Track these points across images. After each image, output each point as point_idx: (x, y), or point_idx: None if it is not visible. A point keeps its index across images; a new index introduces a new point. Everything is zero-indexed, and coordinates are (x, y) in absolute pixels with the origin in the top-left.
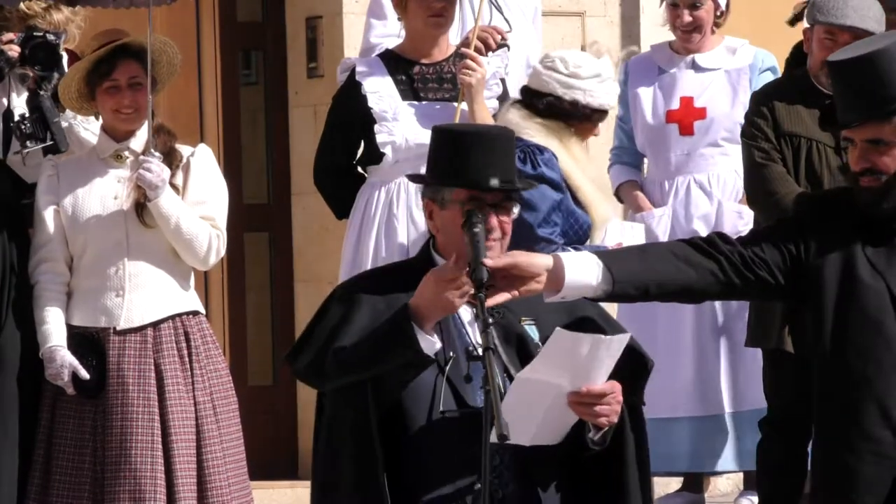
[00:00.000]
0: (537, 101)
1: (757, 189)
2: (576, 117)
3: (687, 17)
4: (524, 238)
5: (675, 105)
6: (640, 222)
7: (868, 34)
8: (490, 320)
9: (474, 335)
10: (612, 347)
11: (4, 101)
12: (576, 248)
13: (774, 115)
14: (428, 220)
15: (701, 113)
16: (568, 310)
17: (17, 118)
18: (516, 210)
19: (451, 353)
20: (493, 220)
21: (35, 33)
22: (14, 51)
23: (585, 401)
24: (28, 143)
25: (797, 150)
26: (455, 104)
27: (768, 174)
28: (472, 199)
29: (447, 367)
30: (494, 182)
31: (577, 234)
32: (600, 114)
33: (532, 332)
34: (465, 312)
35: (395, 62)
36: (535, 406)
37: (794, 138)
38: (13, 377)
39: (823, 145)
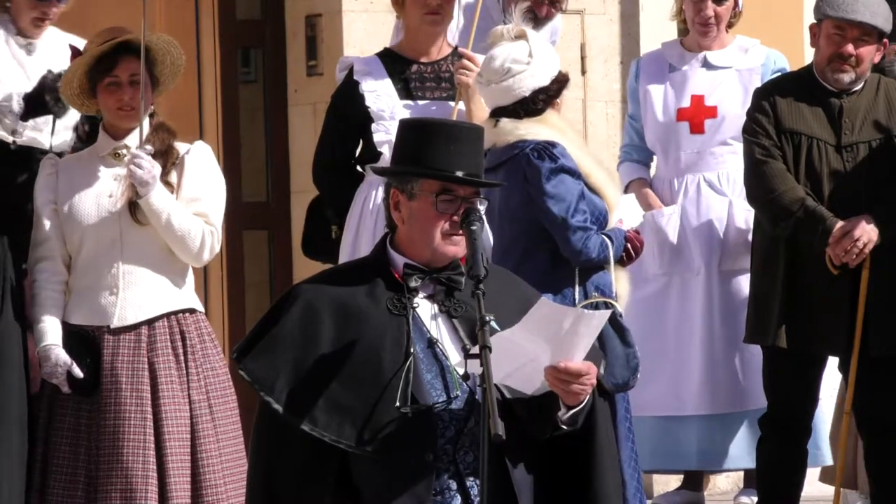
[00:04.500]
0: (518, 108)
1: (756, 186)
2: (550, 98)
3: (710, 11)
4: (556, 231)
5: (686, 103)
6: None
7: (877, 31)
8: (488, 318)
9: (437, 331)
10: (592, 323)
11: None
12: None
13: (776, 111)
14: (393, 211)
15: (712, 111)
16: (524, 311)
17: (77, 120)
18: (483, 207)
19: (412, 349)
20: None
21: None
22: None
23: (562, 377)
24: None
25: (798, 147)
26: (452, 104)
27: (768, 171)
28: (444, 191)
29: (407, 366)
30: (463, 174)
31: (599, 220)
32: (558, 84)
33: (495, 326)
34: (426, 308)
35: (393, 61)
36: (510, 361)
37: (796, 135)
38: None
39: (824, 143)
